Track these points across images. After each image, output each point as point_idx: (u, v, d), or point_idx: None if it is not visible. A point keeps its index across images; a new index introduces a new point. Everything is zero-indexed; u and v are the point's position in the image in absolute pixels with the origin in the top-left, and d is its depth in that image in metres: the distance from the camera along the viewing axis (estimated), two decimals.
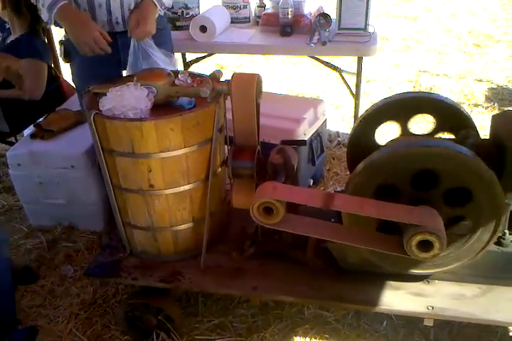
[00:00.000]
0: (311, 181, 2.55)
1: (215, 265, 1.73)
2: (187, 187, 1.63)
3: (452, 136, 1.71)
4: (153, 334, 1.77)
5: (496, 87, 3.87)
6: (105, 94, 1.56)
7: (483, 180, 1.36)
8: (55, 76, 2.74)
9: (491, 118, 1.61)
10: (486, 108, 3.50)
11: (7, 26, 2.63)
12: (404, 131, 1.77)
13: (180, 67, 2.66)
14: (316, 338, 1.79)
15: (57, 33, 2.75)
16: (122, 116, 1.51)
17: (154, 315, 1.75)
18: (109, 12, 1.86)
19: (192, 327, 1.84)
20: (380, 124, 1.77)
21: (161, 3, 1.88)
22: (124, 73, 1.93)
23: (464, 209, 1.44)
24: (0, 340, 1.46)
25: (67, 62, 2.05)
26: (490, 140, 1.58)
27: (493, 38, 5.02)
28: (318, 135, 2.48)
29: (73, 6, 1.82)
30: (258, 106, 1.63)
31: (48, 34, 2.82)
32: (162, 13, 2.00)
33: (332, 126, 3.19)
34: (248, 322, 1.86)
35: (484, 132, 1.64)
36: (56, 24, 1.81)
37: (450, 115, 1.69)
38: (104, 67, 1.88)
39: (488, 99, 3.66)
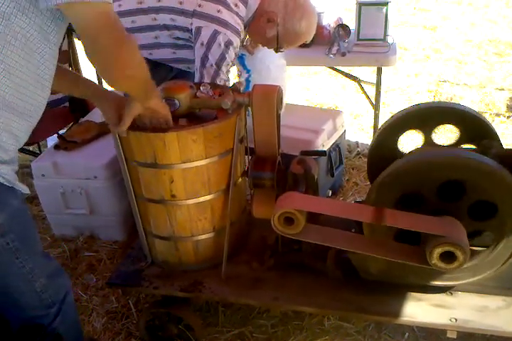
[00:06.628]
0: (330, 192, 2.55)
1: (235, 275, 1.74)
2: (208, 197, 1.65)
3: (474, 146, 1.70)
4: None
5: None
6: None
7: (508, 191, 1.35)
8: None
9: None
10: (508, 117, 3.45)
11: None
12: (426, 141, 1.76)
13: None
14: None
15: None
16: None
17: (175, 324, 1.76)
18: None
19: (212, 336, 1.84)
20: (401, 134, 1.77)
21: None
22: None
23: (487, 221, 1.42)
24: None
25: None
26: None
27: None
28: (337, 146, 2.48)
29: None
30: (279, 117, 1.65)
31: (72, 43, 2.87)
32: None
33: (351, 137, 3.18)
34: (268, 332, 1.85)
35: (506, 141, 1.62)
36: None
37: (472, 125, 1.69)
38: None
39: (509, 108, 3.61)
